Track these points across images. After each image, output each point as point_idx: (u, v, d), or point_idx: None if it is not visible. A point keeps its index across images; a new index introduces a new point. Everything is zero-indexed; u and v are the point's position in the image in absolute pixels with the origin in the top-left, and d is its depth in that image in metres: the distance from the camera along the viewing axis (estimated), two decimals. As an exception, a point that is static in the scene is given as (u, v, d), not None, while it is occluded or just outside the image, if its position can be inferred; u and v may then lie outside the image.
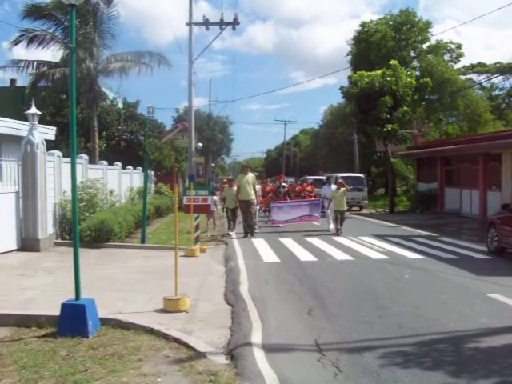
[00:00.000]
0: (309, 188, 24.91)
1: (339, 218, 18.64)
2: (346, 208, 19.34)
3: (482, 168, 24.43)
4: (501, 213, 14.24)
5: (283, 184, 24.74)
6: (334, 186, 20.21)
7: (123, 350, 5.98)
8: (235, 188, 18.08)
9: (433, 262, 12.50)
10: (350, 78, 30.81)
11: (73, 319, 6.40)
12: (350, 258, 13.13)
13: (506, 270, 11.65)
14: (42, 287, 9.19)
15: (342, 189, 19.03)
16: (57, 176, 14.80)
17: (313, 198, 22.86)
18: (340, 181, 20.07)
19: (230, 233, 17.97)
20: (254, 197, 17.87)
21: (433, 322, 7.24)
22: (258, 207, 19.93)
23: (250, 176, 18.12)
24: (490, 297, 8.82)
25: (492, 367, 5.58)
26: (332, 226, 19.42)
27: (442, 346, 6.29)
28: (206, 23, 26.65)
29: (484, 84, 51.15)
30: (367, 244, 15.07)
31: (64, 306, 6.51)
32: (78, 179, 14.40)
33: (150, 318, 7.24)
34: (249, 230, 17.62)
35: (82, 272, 6.93)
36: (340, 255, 13.44)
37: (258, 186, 20.03)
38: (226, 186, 19.18)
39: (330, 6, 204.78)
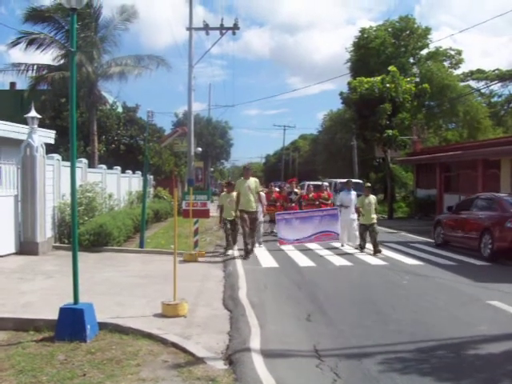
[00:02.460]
0: (325, 195, 19.88)
1: (370, 232, 14.99)
2: (376, 220, 15.43)
3: (481, 174, 24.45)
4: (446, 213, 17.72)
5: (295, 190, 19.88)
6: (354, 193, 16.63)
7: (121, 354, 5.96)
8: (235, 194, 14.22)
9: (431, 269, 12.50)
10: (349, 83, 30.96)
11: (71, 323, 6.38)
12: (349, 263, 13.13)
13: (504, 277, 11.66)
14: (41, 291, 9.17)
15: (372, 196, 15.53)
16: (56, 179, 14.79)
17: (328, 207, 18.52)
18: (368, 185, 16.67)
19: (229, 252, 14.57)
20: (255, 208, 14.06)
21: (432, 329, 7.23)
22: (262, 219, 16.56)
23: (253, 181, 14.09)
24: (489, 303, 8.81)
25: (491, 374, 5.57)
26: (346, 239, 16.42)
27: (441, 353, 6.28)
28: (207, 28, 26.69)
29: (483, 91, 51.33)
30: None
31: (62, 310, 6.48)
32: (78, 183, 14.39)
33: (149, 322, 7.22)
34: (247, 250, 13.89)
35: (81, 276, 6.91)
36: (339, 261, 13.44)
37: (262, 194, 15.48)
38: (224, 192, 15.49)
39: (325, 12, 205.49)
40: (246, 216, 13.75)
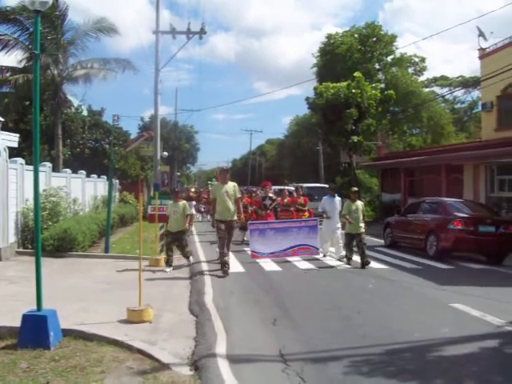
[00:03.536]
0: (301, 200, 18.10)
1: (357, 243, 13.55)
2: (364, 229, 13.90)
3: (445, 179, 24.92)
4: (394, 216, 18.72)
5: (270, 195, 17.73)
6: (338, 199, 15.27)
7: (86, 361, 5.88)
8: (182, 203, 12.99)
9: (396, 272, 12.66)
10: (315, 89, 31.18)
11: (34, 330, 6.28)
12: (315, 267, 13.19)
13: (466, 280, 11.87)
14: (3, 297, 8.99)
15: (359, 202, 14.18)
16: (19, 184, 14.55)
17: (306, 216, 17.27)
18: (354, 189, 14.64)
19: (167, 269, 12.50)
20: (236, 217, 12.24)
21: (397, 332, 7.31)
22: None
23: (231, 186, 12.24)
24: (452, 306, 8.95)
25: (455, 376, 5.66)
26: (331, 249, 15.12)
27: (407, 355, 6.36)
28: (173, 32, 26.71)
29: (447, 97, 52.27)
30: (331, 254, 15.11)
31: (25, 317, 6.37)
32: (41, 187, 14.18)
33: (114, 328, 7.14)
34: (224, 264, 11.97)
35: (44, 282, 6.80)
36: (304, 265, 13.48)
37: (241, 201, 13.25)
38: (171, 201, 13.64)
39: (291, 17, 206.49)
40: (223, 227, 11.99)
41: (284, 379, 5.51)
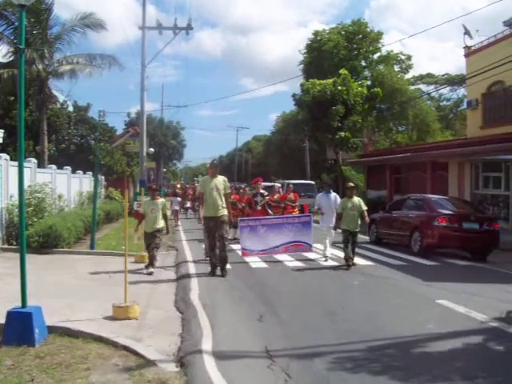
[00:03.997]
0: (291, 196, 17.97)
1: (350, 241, 12.84)
2: (359, 227, 13.35)
3: (430, 176, 25.05)
4: (380, 213, 18.47)
5: (261, 191, 17.02)
6: (334, 195, 14.76)
7: (71, 358, 5.86)
8: (160, 201, 12.21)
9: (382, 269, 12.72)
10: (302, 85, 31.23)
11: (19, 327, 6.24)
12: (301, 264, 13.21)
13: (452, 277, 11.94)
14: (-13, 294, 8.94)
15: (356, 198, 13.35)
16: (4, 180, 14.46)
17: (296, 212, 16.96)
18: (351, 185, 13.93)
19: (151, 269, 11.69)
20: (226, 212, 11.40)
21: (382, 328, 7.35)
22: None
23: (221, 180, 11.52)
24: (438, 302, 9.02)
25: (439, 371, 5.71)
26: (328, 252, 14.15)
27: (392, 351, 6.40)
28: (160, 27, 26.60)
29: (432, 94, 52.52)
30: (318, 250, 15.10)
31: (9, 314, 6.34)
32: (26, 183, 14.10)
33: (99, 325, 7.12)
34: (219, 264, 11.35)
35: (29, 278, 6.76)
36: (291, 262, 13.49)
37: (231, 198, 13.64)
38: (148, 197, 12.86)
39: (277, 14, 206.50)
40: (211, 224, 11.26)
41: (270, 375, 5.52)
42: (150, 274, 11.47)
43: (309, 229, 14.21)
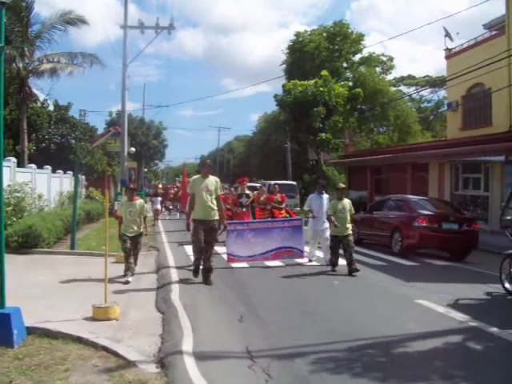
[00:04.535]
0: (278, 197, 16.68)
1: (344, 246, 12.06)
2: (351, 230, 12.53)
3: (410, 177, 25.27)
4: (360, 213, 18.24)
5: (247, 192, 16.56)
6: (326, 197, 13.82)
7: (50, 359, 5.81)
8: (138, 202, 11.23)
9: (363, 269, 12.71)
10: (283, 86, 31.35)
11: (-3, 328, 6.18)
12: (281, 264, 13.17)
13: (431, 277, 12.06)
14: (-35, 295, 8.83)
15: (346, 200, 12.55)
16: (-18, 179, 14.28)
17: (283, 215, 16.02)
18: (342, 186, 13.24)
19: (129, 278, 10.52)
20: (217, 215, 10.53)
21: (362, 328, 7.39)
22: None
23: (213, 181, 10.60)
24: (418, 302, 9.09)
25: (419, 371, 5.75)
26: (319, 255, 13.81)
27: (372, 352, 6.43)
28: (142, 27, 26.52)
29: (413, 96, 52.96)
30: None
31: (-13, 315, 6.28)
32: (5, 183, 13.95)
33: (79, 326, 7.07)
34: (203, 272, 10.53)
35: (8, 279, 6.69)
36: (271, 262, 13.44)
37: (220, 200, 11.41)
38: (125, 198, 12.15)
39: (259, 15, 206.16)
40: (201, 229, 10.32)
41: (251, 376, 5.53)
42: (127, 283, 10.37)
43: (300, 234, 13.48)
